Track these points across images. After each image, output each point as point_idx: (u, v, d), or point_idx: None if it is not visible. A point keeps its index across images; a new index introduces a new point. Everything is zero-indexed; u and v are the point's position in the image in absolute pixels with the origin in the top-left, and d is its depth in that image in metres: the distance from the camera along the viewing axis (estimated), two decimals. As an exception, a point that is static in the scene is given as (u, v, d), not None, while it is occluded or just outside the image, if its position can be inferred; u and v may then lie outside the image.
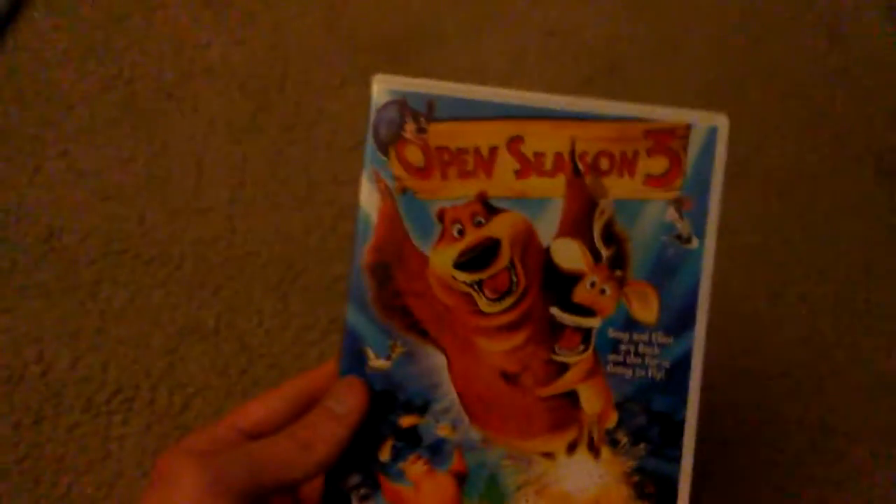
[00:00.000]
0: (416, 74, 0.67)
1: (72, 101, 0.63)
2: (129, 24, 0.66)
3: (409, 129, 0.36)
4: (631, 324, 0.36)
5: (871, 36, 0.72)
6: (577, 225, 0.36)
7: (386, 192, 0.36)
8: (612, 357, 0.37)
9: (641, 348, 0.36)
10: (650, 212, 0.36)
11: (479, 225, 0.36)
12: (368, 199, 0.36)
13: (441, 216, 0.36)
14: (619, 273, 0.36)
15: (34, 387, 0.57)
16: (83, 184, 0.61)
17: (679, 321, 0.36)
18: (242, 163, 0.63)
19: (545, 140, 0.36)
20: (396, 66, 0.67)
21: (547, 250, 0.36)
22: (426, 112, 0.36)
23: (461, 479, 0.37)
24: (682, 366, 0.36)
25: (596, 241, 0.36)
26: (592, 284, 0.36)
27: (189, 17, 0.67)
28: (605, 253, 0.36)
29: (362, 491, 0.37)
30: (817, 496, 0.61)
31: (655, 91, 0.69)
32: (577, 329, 0.36)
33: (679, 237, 0.36)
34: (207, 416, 0.57)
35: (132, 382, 0.58)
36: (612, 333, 0.36)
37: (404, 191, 0.36)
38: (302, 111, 0.65)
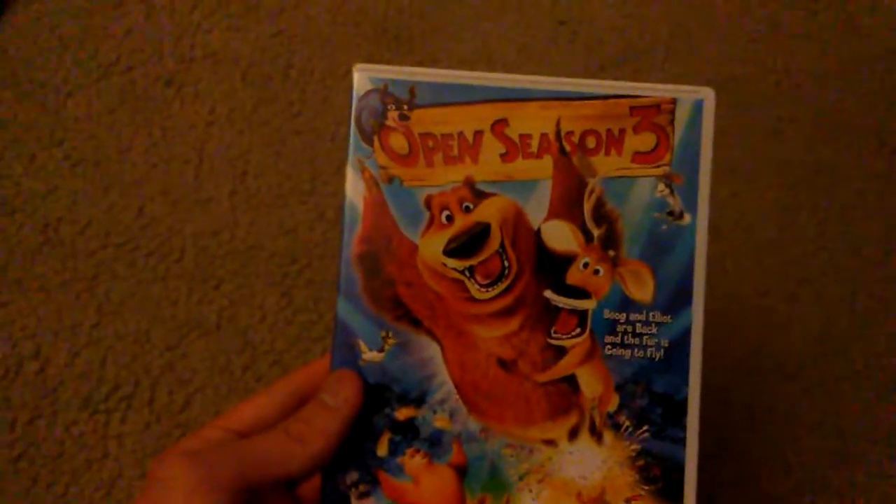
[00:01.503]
0: (423, 63, 0.68)
1: (69, 89, 0.62)
2: (127, 10, 0.65)
3: (392, 116, 0.36)
4: (627, 304, 0.36)
5: (888, 27, 0.71)
6: (567, 205, 0.36)
7: (371, 182, 0.36)
8: (609, 339, 0.36)
9: (639, 328, 0.36)
10: (640, 189, 0.36)
11: (467, 210, 0.36)
12: (354, 189, 0.36)
13: (428, 203, 0.36)
14: (611, 253, 0.36)
15: (31, 383, 0.56)
16: (81, 174, 0.60)
17: (675, 299, 0.36)
18: (245, 153, 0.62)
19: (530, 122, 0.36)
20: (402, 54, 0.66)
21: (538, 233, 0.36)
22: (408, 99, 0.36)
23: (462, 471, 0.36)
24: (681, 344, 0.36)
25: (587, 221, 0.36)
26: (585, 265, 0.36)
27: (190, 1, 0.66)
28: (596, 233, 0.36)
29: (361, 488, 0.36)
30: (833, 500, 0.59)
31: (668, 81, 0.68)
32: (573, 311, 0.36)
33: (671, 213, 0.36)
34: (209, 415, 0.56)
35: (131, 379, 0.57)
36: (608, 314, 0.36)
37: (391, 179, 0.36)
38: (306, 100, 0.64)
